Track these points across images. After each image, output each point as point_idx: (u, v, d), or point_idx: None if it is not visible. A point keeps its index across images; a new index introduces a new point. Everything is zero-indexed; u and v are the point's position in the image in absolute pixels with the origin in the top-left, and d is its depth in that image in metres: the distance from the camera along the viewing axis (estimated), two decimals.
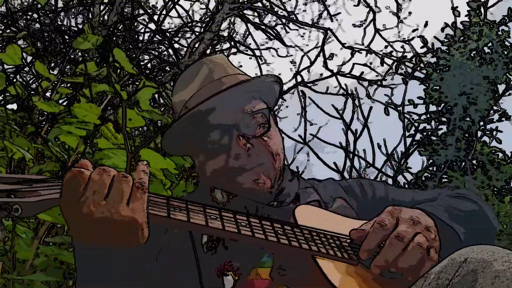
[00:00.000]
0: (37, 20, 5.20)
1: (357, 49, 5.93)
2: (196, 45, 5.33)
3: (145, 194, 0.88)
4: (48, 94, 2.49)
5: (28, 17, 5.30)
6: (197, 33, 5.92)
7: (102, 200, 0.85)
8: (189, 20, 6.26)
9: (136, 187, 0.87)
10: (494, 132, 4.69)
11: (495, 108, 4.71)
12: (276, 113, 6.47)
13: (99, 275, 0.93)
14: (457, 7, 4.90)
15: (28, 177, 0.87)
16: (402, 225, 0.97)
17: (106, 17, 5.43)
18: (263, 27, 6.17)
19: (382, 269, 0.95)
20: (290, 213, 1.07)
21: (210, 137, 1.18)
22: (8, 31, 4.82)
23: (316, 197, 1.23)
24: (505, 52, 4.64)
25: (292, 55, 6.67)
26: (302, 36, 6.95)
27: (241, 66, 6.94)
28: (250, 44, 6.65)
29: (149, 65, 6.04)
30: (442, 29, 4.95)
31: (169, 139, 1.25)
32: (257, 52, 6.52)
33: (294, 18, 6.43)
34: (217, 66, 1.27)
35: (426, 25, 5.59)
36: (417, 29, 5.82)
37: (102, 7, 5.51)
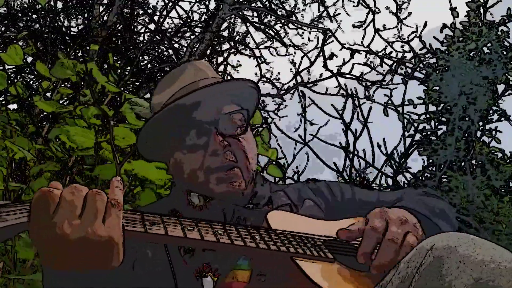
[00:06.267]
0: (37, 21, 5.20)
1: (356, 50, 5.94)
2: (196, 45, 5.34)
3: (121, 211, 0.85)
4: (48, 94, 2.50)
5: (28, 18, 5.30)
6: (196, 33, 5.93)
7: (77, 219, 0.81)
8: (189, 20, 6.26)
9: (112, 204, 0.84)
10: (494, 132, 4.70)
11: (494, 108, 4.72)
12: (275, 112, 6.49)
13: None
14: (456, 7, 4.91)
15: None
16: (392, 227, 1.00)
17: (105, 17, 5.44)
18: (263, 27, 6.18)
19: (381, 271, 0.97)
20: (264, 215, 1.09)
21: (189, 133, 1.19)
22: (8, 31, 4.83)
23: (287, 201, 1.26)
24: (504, 52, 4.64)
25: (291, 54, 6.64)
26: (301, 36, 6.95)
27: (240, 65, 6.94)
28: (249, 43, 6.65)
29: (149, 65, 6.04)
30: (441, 30, 4.96)
31: (146, 139, 1.24)
32: (257, 52, 6.54)
33: (294, 19, 6.44)
34: (199, 70, 1.30)
35: (425, 25, 5.60)
36: (416, 31, 5.83)
37: (101, 8, 5.52)
